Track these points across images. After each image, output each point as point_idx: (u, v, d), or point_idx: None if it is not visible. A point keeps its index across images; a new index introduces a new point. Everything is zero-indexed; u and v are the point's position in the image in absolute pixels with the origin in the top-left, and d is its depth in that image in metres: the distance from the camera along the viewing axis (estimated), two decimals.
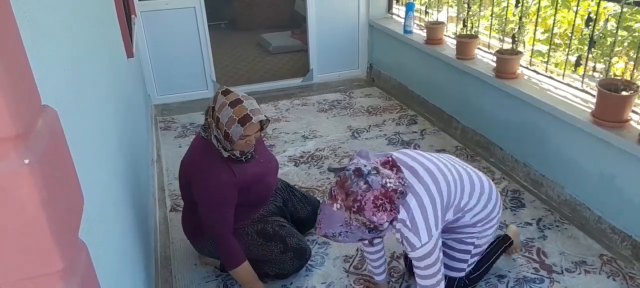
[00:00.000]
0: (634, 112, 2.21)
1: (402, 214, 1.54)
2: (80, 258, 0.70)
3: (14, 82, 0.57)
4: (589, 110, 2.33)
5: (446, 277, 1.88)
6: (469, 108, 3.21)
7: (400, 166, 1.57)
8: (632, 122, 2.19)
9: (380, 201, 1.42)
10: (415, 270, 1.69)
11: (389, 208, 1.43)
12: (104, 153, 1.47)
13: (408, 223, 1.55)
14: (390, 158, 1.58)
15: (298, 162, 3.12)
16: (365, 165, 1.47)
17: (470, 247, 1.88)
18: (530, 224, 2.42)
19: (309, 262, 2.19)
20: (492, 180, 2.79)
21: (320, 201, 2.47)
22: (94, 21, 1.83)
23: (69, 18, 1.34)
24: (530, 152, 2.71)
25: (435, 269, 1.65)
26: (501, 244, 2.09)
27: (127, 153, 1.98)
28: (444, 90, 3.49)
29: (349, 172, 1.46)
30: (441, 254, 1.66)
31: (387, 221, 1.45)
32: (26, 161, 0.56)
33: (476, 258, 1.94)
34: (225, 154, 1.90)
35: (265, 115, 1.88)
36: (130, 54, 2.72)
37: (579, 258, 2.19)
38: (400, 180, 1.49)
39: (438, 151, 3.17)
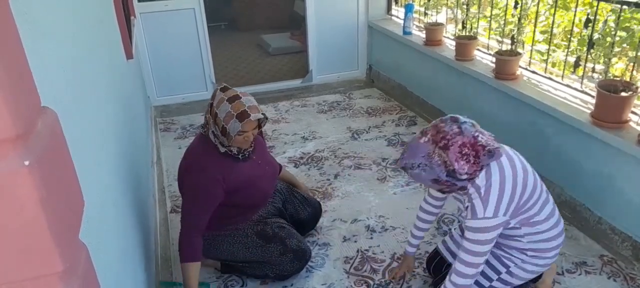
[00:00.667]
0: (633, 112, 2.22)
1: (481, 181, 1.54)
2: (80, 259, 0.70)
3: (14, 83, 0.57)
4: (589, 111, 2.33)
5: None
6: (468, 109, 3.21)
7: (500, 146, 1.56)
8: (631, 123, 2.19)
9: (467, 149, 1.47)
10: (463, 242, 1.62)
11: (472, 161, 1.47)
12: (104, 155, 1.47)
13: (482, 191, 1.54)
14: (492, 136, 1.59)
15: (298, 163, 3.12)
16: (465, 118, 1.53)
17: (502, 269, 1.78)
18: None
19: (310, 263, 2.19)
20: None
21: (320, 204, 2.48)
22: (93, 22, 1.83)
23: (69, 19, 1.34)
24: (530, 153, 2.70)
25: (483, 250, 1.58)
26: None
27: (127, 155, 1.98)
28: (444, 92, 3.49)
29: (447, 116, 1.54)
30: (490, 248, 1.60)
31: (466, 174, 1.48)
32: (26, 162, 0.56)
33: (500, 286, 1.81)
34: (222, 149, 1.90)
35: (263, 113, 1.88)
36: (129, 56, 2.72)
37: (580, 259, 2.19)
38: (493, 142, 1.50)
39: None
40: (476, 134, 1.49)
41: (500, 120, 2.92)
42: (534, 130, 2.65)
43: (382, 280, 2.12)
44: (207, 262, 2.23)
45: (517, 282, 1.81)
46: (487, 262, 1.80)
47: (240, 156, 1.95)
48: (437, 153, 1.48)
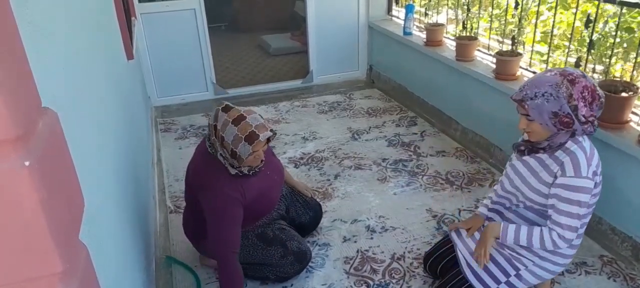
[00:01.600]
0: (633, 113, 2.22)
1: (585, 142, 1.63)
2: (80, 260, 0.70)
3: (15, 84, 0.57)
4: None
5: (470, 285, 1.80)
6: (469, 109, 3.22)
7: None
8: (631, 124, 2.19)
9: (587, 93, 1.56)
10: (560, 206, 1.61)
11: (588, 105, 1.56)
12: (104, 155, 1.47)
13: (588, 151, 1.62)
14: None
15: (298, 163, 3.12)
16: (586, 74, 1.63)
17: (512, 272, 1.77)
18: None
19: (310, 264, 2.19)
20: (493, 181, 2.80)
21: (321, 206, 2.47)
22: (94, 23, 1.84)
23: (69, 20, 1.34)
24: None
25: (582, 212, 1.61)
26: None
27: (128, 155, 1.98)
28: (444, 92, 3.49)
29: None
30: (586, 216, 1.65)
31: (583, 115, 1.56)
32: (26, 163, 0.56)
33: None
34: (233, 171, 1.85)
35: (271, 129, 1.82)
36: (130, 56, 2.72)
37: (580, 259, 2.19)
38: (602, 98, 1.60)
39: (438, 152, 3.17)
40: (595, 85, 1.58)
41: (501, 121, 2.92)
42: None
43: (382, 280, 2.12)
44: (207, 262, 2.23)
45: (523, 287, 1.80)
46: (497, 263, 1.79)
47: (251, 173, 1.91)
48: (565, 85, 1.56)
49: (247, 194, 1.89)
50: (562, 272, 2.11)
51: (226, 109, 1.82)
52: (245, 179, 1.89)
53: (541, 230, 1.67)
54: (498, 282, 1.78)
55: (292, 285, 2.12)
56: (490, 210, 1.96)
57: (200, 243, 2.16)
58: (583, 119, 1.57)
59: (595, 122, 1.61)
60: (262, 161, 1.93)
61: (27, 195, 0.57)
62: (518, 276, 1.77)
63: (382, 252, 2.29)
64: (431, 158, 3.10)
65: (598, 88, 1.59)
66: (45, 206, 0.59)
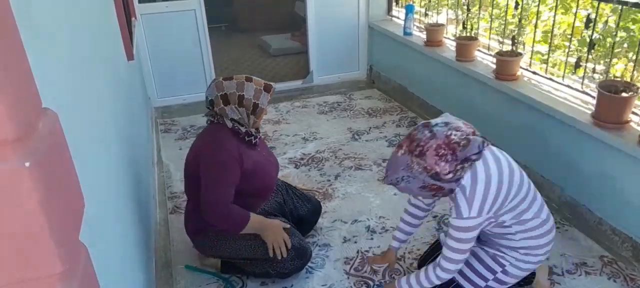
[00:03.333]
0: (634, 113, 2.21)
1: (466, 181, 1.56)
2: (80, 261, 0.70)
3: (15, 84, 0.57)
4: (589, 112, 2.33)
5: (458, 284, 1.82)
6: (469, 110, 3.21)
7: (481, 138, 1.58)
8: (632, 124, 2.19)
9: (443, 150, 1.50)
10: (447, 240, 1.66)
11: (450, 159, 1.50)
12: (105, 156, 1.47)
13: (468, 191, 1.57)
14: (472, 129, 1.61)
15: (298, 164, 3.12)
16: (436, 120, 1.58)
17: (498, 268, 1.79)
18: None
19: (310, 264, 2.19)
20: None
21: (321, 203, 2.49)
22: (94, 24, 1.84)
23: (70, 20, 1.34)
24: (531, 153, 2.71)
25: (466, 247, 1.64)
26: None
27: (128, 156, 1.98)
28: (444, 92, 3.49)
29: (420, 124, 1.59)
30: (470, 248, 1.65)
31: (449, 172, 1.51)
32: (27, 164, 0.56)
33: (496, 286, 1.82)
34: (244, 130, 2.01)
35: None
36: (130, 57, 2.72)
37: (580, 259, 2.19)
38: (469, 136, 1.53)
39: None
40: (449, 132, 1.52)
41: (501, 121, 2.92)
42: (534, 131, 2.65)
43: (382, 280, 2.12)
44: (208, 262, 2.23)
45: (512, 281, 1.82)
46: (482, 262, 1.82)
47: (253, 141, 2.05)
48: (415, 162, 1.53)
49: (244, 159, 1.99)
50: (562, 272, 2.11)
51: (227, 78, 2.02)
52: (245, 146, 2.02)
53: (426, 268, 1.74)
54: (486, 279, 1.81)
55: (292, 285, 2.12)
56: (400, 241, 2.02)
57: (200, 241, 2.16)
58: (451, 175, 1.52)
59: (473, 143, 1.52)
60: (258, 131, 2.12)
61: (27, 195, 0.57)
62: (504, 272, 1.79)
63: (383, 253, 2.28)
64: None
65: (453, 134, 1.52)
66: (45, 207, 0.59)
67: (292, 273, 2.11)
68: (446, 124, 1.56)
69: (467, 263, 1.82)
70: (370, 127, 3.61)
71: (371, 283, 2.11)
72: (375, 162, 3.09)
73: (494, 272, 1.80)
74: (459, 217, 1.60)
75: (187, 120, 3.88)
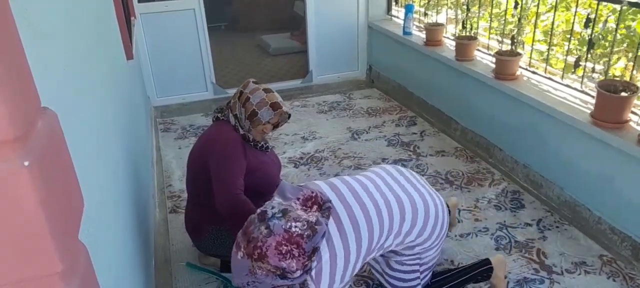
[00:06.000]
0: (633, 113, 2.22)
1: (312, 264, 1.42)
2: (80, 260, 0.70)
3: (14, 83, 0.57)
4: (589, 111, 2.33)
5: None
6: (469, 109, 3.22)
7: (325, 205, 1.46)
8: (631, 123, 2.19)
9: (285, 247, 1.33)
10: None
11: (297, 254, 1.33)
12: (104, 155, 1.47)
13: (313, 273, 1.43)
14: (314, 194, 1.48)
15: (298, 163, 3.12)
16: (273, 207, 1.39)
17: (415, 267, 1.78)
18: (530, 225, 2.42)
19: None
20: (492, 181, 2.80)
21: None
22: (93, 23, 1.84)
23: (69, 19, 1.34)
24: (530, 153, 2.72)
25: None
26: (476, 268, 1.94)
27: (127, 155, 1.98)
28: (444, 92, 3.49)
29: (254, 215, 1.40)
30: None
31: (298, 269, 1.35)
32: (26, 163, 0.56)
33: (428, 272, 1.83)
34: (242, 132, 2.02)
35: (288, 112, 2.07)
36: (129, 56, 2.72)
37: (579, 258, 2.19)
38: (307, 222, 1.37)
39: (438, 152, 3.17)
40: (287, 225, 1.35)
41: (500, 121, 2.92)
42: (533, 131, 2.65)
43: None
44: (207, 261, 2.23)
45: (435, 259, 1.81)
46: (404, 275, 1.79)
47: (256, 147, 2.07)
48: (256, 266, 1.35)
49: (248, 155, 2.01)
50: (562, 271, 2.12)
51: (256, 82, 2.08)
52: (248, 145, 2.05)
53: None
54: (417, 278, 1.80)
55: None
56: None
57: (200, 239, 2.16)
58: (301, 270, 1.36)
59: (319, 228, 1.37)
60: (266, 142, 2.15)
61: (27, 195, 0.57)
62: (422, 264, 1.78)
63: None
64: (431, 158, 3.10)
65: (294, 226, 1.35)
66: (44, 206, 0.59)
67: None
68: (283, 213, 1.38)
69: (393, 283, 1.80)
70: (370, 127, 3.61)
71: (371, 282, 2.11)
72: (374, 161, 3.09)
73: (415, 271, 1.78)
74: None
75: (186, 119, 3.88)
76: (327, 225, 1.43)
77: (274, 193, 1.51)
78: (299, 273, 1.37)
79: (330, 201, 1.50)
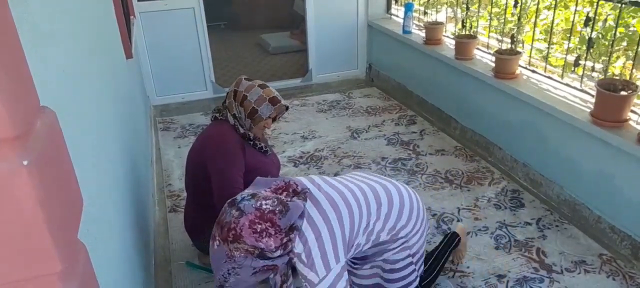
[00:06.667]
0: (632, 111, 2.22)
1: (299, 248, 1.40)
2: (79, 259, 0.70)
3: (13, 83, 0.57)
4: (588, 110, 2.33)
5: None
6: (468, 108, 3.22)
7: (301, 191, 1.45)
8: (631, 122, 2.19)
9: (260, 226, 1.32)
10: None
11: (273, 232, 1.33)
12: (103, 154, 1.47)
13: (304, 257, 1.41)
14: (287, 182, 1.47)
15: (297, 162, 3.12)
16: (242, 194, 1.39)
17: (408, 259, 1.76)
18: (529, 224, 2.42)
19: None
20: (492, 180, 2.80)
21: None
22: (92, 22, 1.83)
23: (68, 19, 1.34)
24: (530, 152, 2.72)
25: None
26: (449, 243, 2.06)
27: (126, 154, 1.98)
28: (443, 91, 3.49)
29: (225, 205, 1.40)
30: None
31: (276, 246, 1.34)
32: (25, 162, 0.56)
33: (421, 262, 1.83)
34: (242, 130, 2.01)
35: (286, 104, 2.05)
36: (129, 55, 2.72)
37: (579, 257, 2.19)
38: (280, 200, 1.36)
39: (437, 151, 3.17)
40: (258, 204, 1.35)
41: (500, 119, 2.92)
42: (533, 129, 2.65)
43: None
44: (207, 259, 2.22)
45: (422, 247, 1.80)
46: (399, 273, 1.77)
47: (253, 144, 2.05)
48: (233, 248, 1.34)
49: (247, 155, 2.00)
50: (562, 270, 2.12)
51: (248, 78, 2.05)
52: (247, 144, 2.03)
53: None
54: (414, 271, 1.78)
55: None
56: None
57: (200, 238, 2.16)
58: (281, 249, 1.35)
59: (293, 205, 1.37)
60: (266, 141, 2.11)
61: (26, 194, 0.57)
62: (413, 255, 1.75)
63: None
64: (430, 157, 3.10)
65: (265, 204, 1.35)
66: (44, 205, 0.59)
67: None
68: (253, 195, 1.38)
69: (388, 280, 1.78)
70: (369, 126, 3.61)
71: None
72: (374, 160, 3.09)
73: (410, 263, 1.76)
74: (312, 287, 1.43)
75: (185, 118, 3.88)
76: (304, 206, 1.42)
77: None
78: (279, 252, 1.35)
79: (307, 188, 1.50)
